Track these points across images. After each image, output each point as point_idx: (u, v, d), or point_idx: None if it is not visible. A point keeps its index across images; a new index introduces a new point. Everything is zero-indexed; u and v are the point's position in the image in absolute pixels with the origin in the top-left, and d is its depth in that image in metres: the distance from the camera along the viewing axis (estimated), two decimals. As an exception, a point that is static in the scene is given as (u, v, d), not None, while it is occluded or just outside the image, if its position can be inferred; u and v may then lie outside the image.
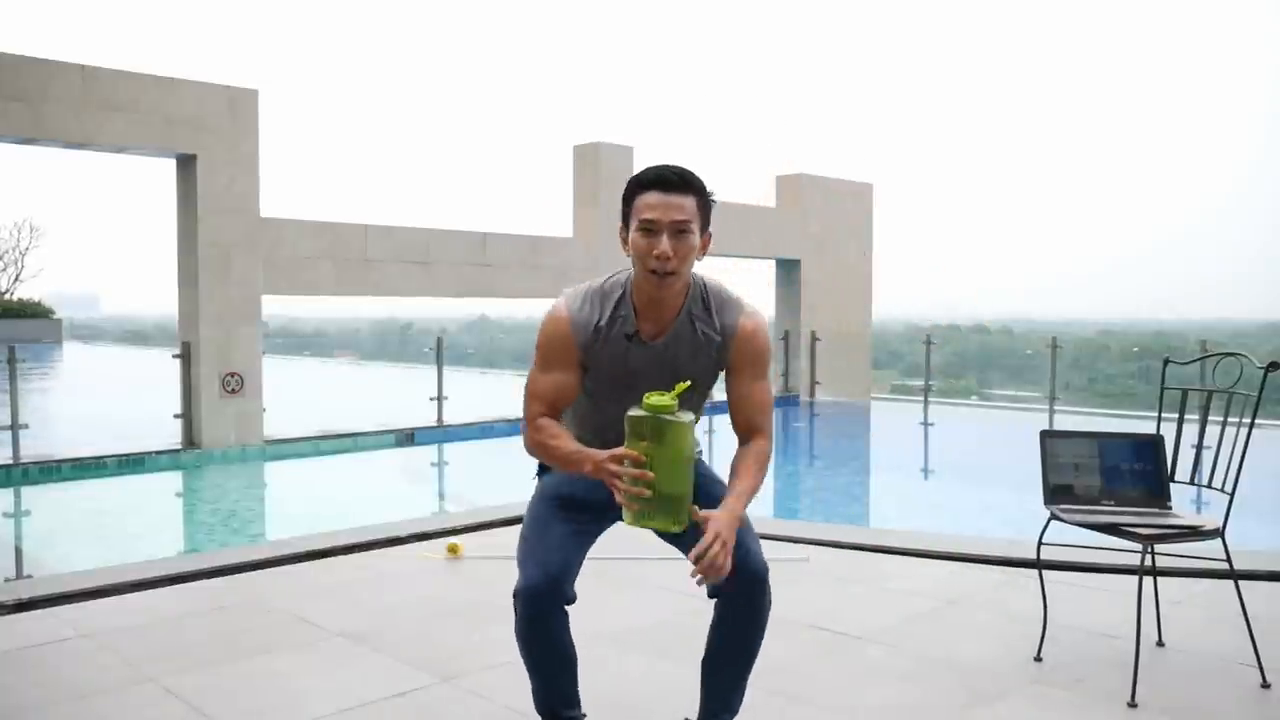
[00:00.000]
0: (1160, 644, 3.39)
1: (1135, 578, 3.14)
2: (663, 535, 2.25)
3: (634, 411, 2.11)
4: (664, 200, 2.23)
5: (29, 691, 3.05)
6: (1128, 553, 3.38)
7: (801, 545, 4.80)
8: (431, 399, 11.19)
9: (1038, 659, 3.28)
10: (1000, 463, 10.00)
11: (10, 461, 8.39)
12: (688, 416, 2.12)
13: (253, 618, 3.78)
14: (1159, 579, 3.50)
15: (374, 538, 4.89)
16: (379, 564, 4.57)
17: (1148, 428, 3.41)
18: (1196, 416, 3.34)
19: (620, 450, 2.10)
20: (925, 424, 12.73)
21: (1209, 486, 3.23)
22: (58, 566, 5.84)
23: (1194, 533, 3.02)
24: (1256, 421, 3.09)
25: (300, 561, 4.56)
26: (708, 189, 2.30)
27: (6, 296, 36.40)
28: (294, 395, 13.94)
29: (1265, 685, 3.04)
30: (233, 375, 9.74)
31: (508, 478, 8.63)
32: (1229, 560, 3.08)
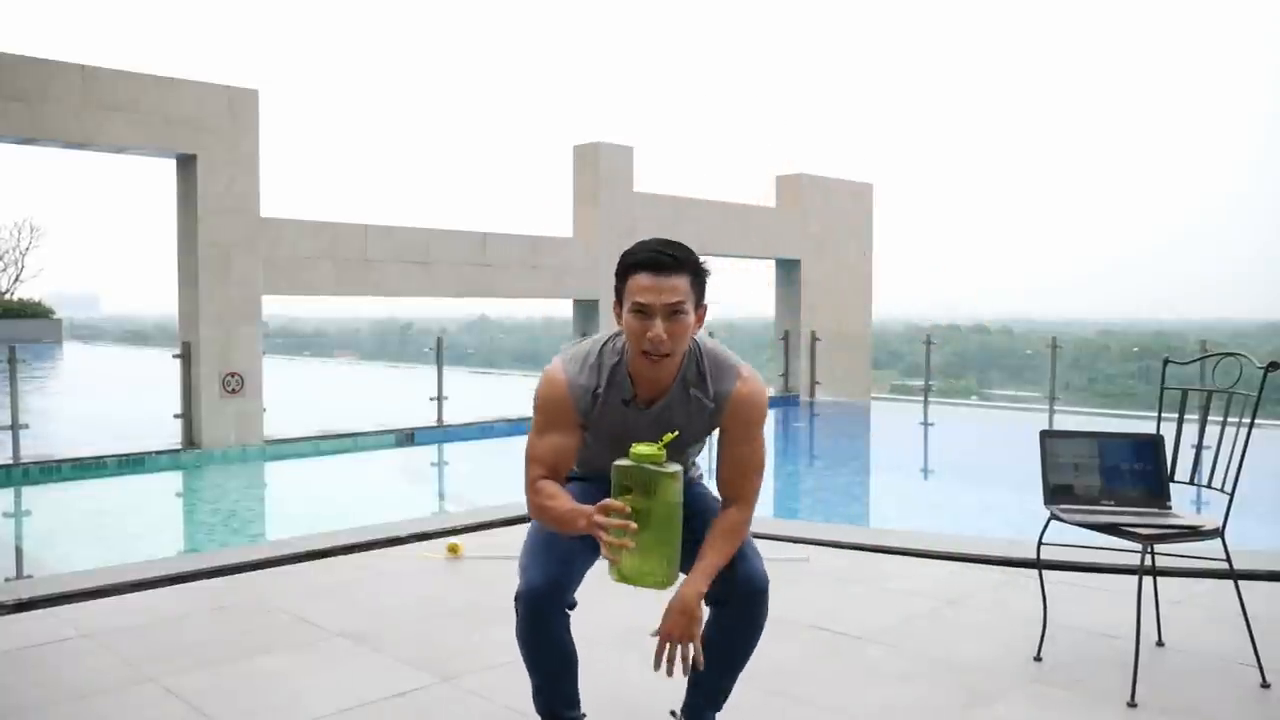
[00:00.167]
0: (1160, 644, 3.39)
1: (1135, 578, 3.14)
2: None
3: (621, 462, 2.11)
4: (656, 282, 2.22)
5: (29, 691, 3.05)
6: (1128, 553, 3.38)
7: (801, 545, 4.80)
8: (431, 399, 11.19)
9: (1037, 659, 3.28)
10: (1000, 463, 10.00)
11: (10, 461, 8.39)
12: (675, 467, 2.11)
13: (253, 618, 3.78)
14: (1159, 579, 3.50)
15: (374, 538, 4.89)
16: (379, 564, 4.57)
17: (1148, 428, 3.41)
18: (1196, 416, 3.34)
19: (607, 501, 2.09)
20: (925, 424, 12.73)
21: (1209, 486, 3.23)
22: (58, 566, 5.83)
23: (1194, 533, 3.02)
24: (1256, 421, 3.09)
25: (300, 561, 4.56)
26: (702, 265, 2.30)
27: (6, 296, 36.40)
28: (294, 395, 13.94)
29: (1265, 685, 3.04)
30: (233, 375, 9.74)
31: (508, 478, 8.62)
32: (1229, 560, 3.08)
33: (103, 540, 6.78)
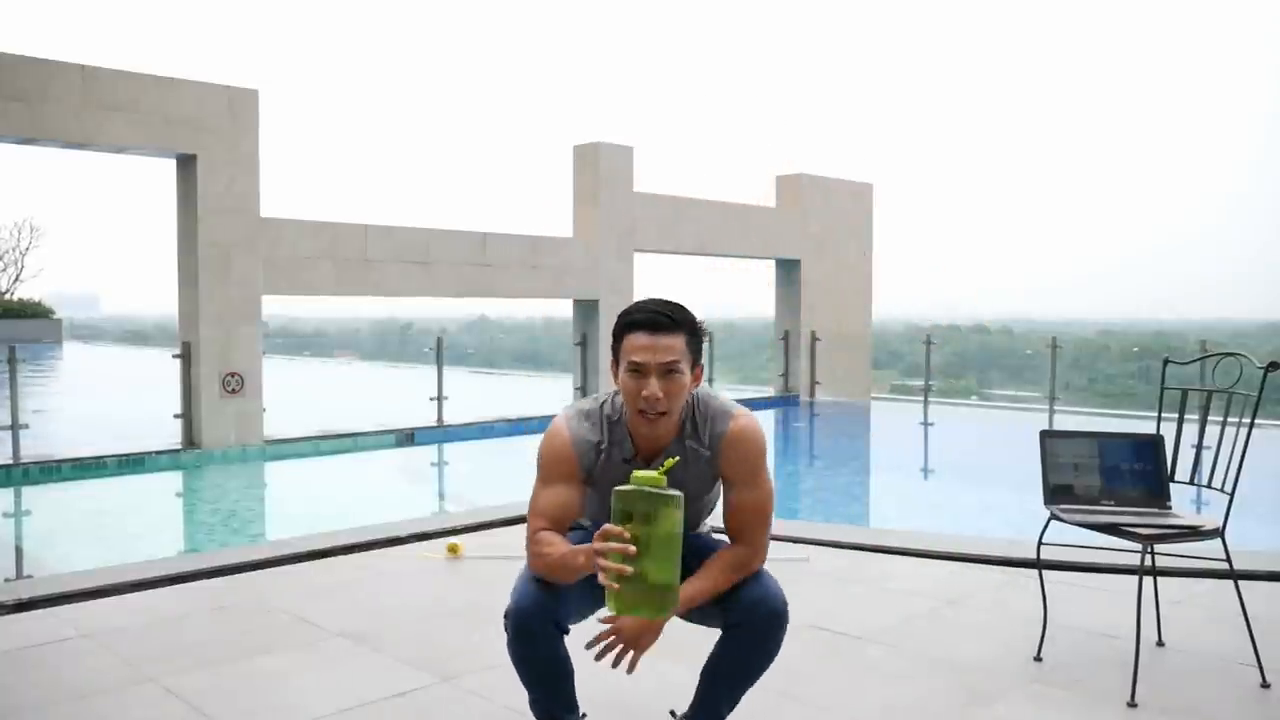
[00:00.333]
0: (1160, 644, 3.39)
1: (1135, 578, 3.14)
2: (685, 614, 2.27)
3: (622, 487, 2.07)
4: (652, 342, 2.22)
5: (29, 691, 3.05)
6: (1128, 553, 3.38)
7: (802, 545, 4.80)
8: (431, 399, 11.19)
9: (1037, 659, 3.28)
10: (1000, 463, 10.00)
11: (10, 461, 8.39)
12: (676, 493, 2.06)
13: (253, 618, 3.78)
14: (1159, 579, 3.51)
15: (374, 538, 4.89)
16: (379, 564, 4.57)
17: (1148, 428, 3.41)
18: (1196, 416, 3.34)
19: (607, 527, 2.03)
20: (925, 424, 12.74)
21: (1209, 486, 3.23)
22: (58, 566, 5.84)
23: (1194, 533, 3.03)
24: (1256, 421, 3.09)
25: (300, 561, 4.56)
26: (699, 325, 2.30)
27: (6, 296, 36.42)
28: (294, 395, 13.94)
29: (1265, 685, 3.04)
30: (233, 375, 9.74)
31: (507, 478, 8.64)
32: (1229, 560, 3.08)
33: (103, 540, 6.78)
